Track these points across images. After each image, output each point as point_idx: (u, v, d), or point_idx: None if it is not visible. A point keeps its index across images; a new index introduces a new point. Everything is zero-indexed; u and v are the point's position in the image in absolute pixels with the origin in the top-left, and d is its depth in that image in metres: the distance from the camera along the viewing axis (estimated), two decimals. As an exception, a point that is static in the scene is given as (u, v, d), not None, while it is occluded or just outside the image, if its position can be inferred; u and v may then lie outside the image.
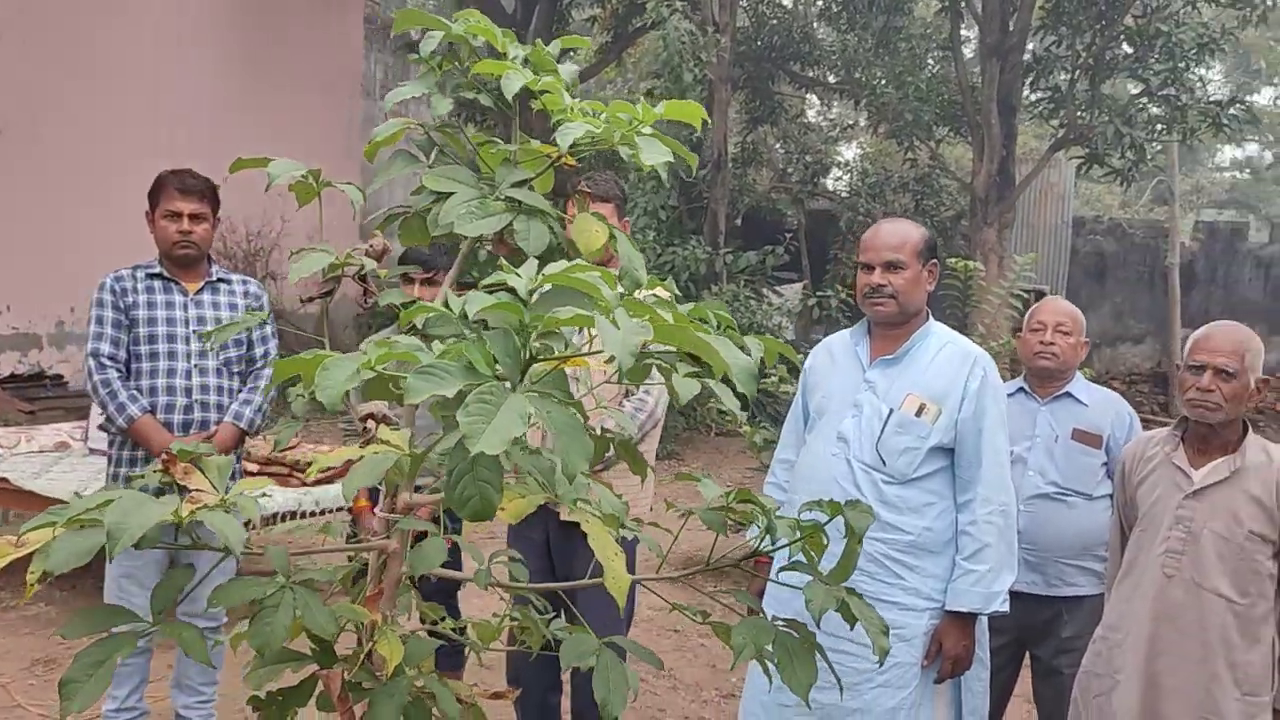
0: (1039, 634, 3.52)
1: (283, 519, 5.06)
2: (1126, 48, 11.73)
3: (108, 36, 9.78)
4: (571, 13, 15.99)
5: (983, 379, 2.85)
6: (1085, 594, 3.46)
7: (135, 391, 3.43)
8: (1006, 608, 2.81)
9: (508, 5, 15.40)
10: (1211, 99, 11.95)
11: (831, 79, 15.57)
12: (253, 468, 5.23)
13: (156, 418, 3.43)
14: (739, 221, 14.28)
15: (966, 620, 2.82)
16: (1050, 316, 3.55)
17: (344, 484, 1.35)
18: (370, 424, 1.49)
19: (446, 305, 1.34)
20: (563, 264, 1.32)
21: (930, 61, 14.69)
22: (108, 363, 3.43)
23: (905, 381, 2.88)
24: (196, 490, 1.34)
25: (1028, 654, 3.61)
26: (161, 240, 3.53)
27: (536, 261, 1.36)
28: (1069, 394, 3.53)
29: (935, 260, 2.96)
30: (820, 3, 15.40)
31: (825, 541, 1.67)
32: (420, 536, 1.66)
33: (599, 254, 1.71)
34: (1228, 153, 33.14)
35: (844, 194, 16.47)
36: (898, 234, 2.92)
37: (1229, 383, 2.74)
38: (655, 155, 1.55)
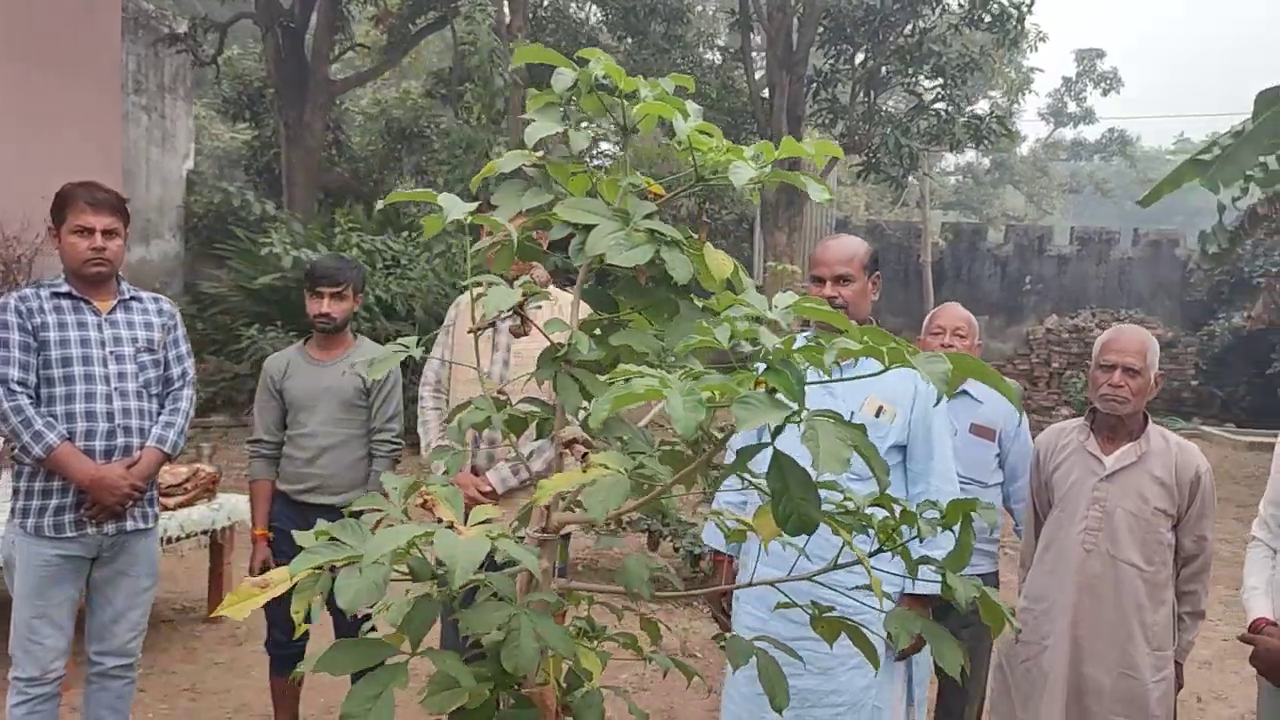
0: (941, 610, 3.84)
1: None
2: (900, 65, 12.68)
3: None
4: (352, 10, 15.58)
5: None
6: (982, 571, 3.82)
7: (51, 418, 3.21)
8: (960, 589, 3.09)
9: (285, 1, 14.82)
10: (971, 114, 13.10)
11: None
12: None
13: (76, 445, 3.22)
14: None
15: (924, 602, 3.09)
16: (949, 321, 3.88)
17: (589, 504, 1.38)
18: (574, 449, 1.53)
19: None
20: (792, 296, 1.44)
21: (707, 68, 15.24)
22: (17, 388, 3.19)
23: (862, 385, 3.11)
24: (451, 523, 1.36)
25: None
26: (71, 258, 3.30)
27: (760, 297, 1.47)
28: (966, 392, 3.87)
29: (878, 272, 3.21)
30: (599, 12, 15.72)
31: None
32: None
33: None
34: (950, 159, 36.08)
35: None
36: (846, 250, 3.15)
37: (1135, 379, 3.14)
38: (819, 194, 1.69)
